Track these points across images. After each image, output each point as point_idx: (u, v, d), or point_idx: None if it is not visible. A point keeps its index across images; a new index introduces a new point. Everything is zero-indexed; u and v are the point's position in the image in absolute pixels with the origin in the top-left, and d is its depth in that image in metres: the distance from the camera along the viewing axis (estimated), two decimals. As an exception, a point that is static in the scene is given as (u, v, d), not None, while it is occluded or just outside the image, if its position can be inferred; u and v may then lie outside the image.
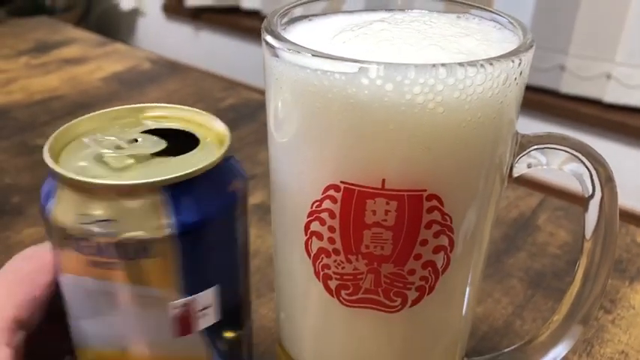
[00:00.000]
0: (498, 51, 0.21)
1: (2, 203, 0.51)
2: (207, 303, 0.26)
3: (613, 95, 1.25)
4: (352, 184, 0.21)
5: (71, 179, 0.23)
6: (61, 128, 0.26)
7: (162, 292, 0.25)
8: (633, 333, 0.40)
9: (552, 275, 0.45)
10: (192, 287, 0.25)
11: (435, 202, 0.21)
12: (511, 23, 0.24)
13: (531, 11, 1.30)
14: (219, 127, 0.27)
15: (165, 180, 0.23)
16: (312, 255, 0.24)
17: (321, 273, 0.24)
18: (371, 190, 0.21)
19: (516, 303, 0.42)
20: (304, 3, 0.26)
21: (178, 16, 2.07)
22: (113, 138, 0.26)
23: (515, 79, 0.21)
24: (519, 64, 0.21)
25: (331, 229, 0.23)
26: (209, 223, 0.24)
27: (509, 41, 0.23)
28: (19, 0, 1.98)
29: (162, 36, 2.10)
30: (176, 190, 0.23)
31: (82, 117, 0.27)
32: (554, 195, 0.55)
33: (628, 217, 1.17)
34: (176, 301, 0.25)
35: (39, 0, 2.09)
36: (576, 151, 0.24)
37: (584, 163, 0.24)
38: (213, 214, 0.24)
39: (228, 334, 0.28)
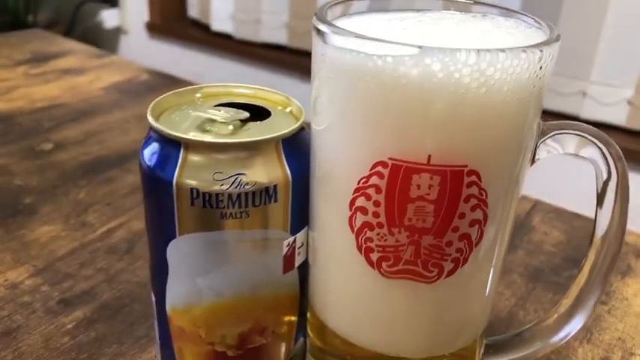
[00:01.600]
0: (529, 42, 0.23)
1: (15, 203, 0.52)
2: (302, 241, 0.31)
3: (589, 112, 1.31)
4: (400, 160, 0.23)
5: (202, 142, 0.27)
6: (155, 101, 0.30)
7: (279, 233, 0.29)
8: (628, 321, 0.42)
9: (550, 270, 0.47)
10: (296, 227, 0.30)
11: (474, 178, 0.24)
12: (537, 22, 0.26)
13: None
14: (286, 99, 0.32)
15: (282, 135, 0.28)
16: (355, 229, 0.26)
17: (364, 246, 0.26)
18: (417, 166, 0.23)
19: (518, 295, 0.45)
20: (342, 2, 0.28)
21: (161, 35, 2.09)
22: (205, 113, 0.30)
23: (546, 66, 0.23)
24: (550, 53, 0.23)
25: (376, 203, 0.25)
26: (305, 172, 0.29)
27: (536, 35, 0.26)
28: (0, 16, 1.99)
29: (145, 54, 2.11)
30: (288, 143, 0.28)
31: (167, 94, 0.31)
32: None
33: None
34: (288, 240, 0.30)
35: (21, 16, 2.09)
36: (590, 135, 0.26)
37: (597, 145, 0.26)
38: (307, 164, 0.29)
39: (306, 274, 0.32)
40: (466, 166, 0.23)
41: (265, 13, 1.77)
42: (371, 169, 0.24)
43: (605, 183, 0.28)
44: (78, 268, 0.45)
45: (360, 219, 0.25)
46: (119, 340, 0.38)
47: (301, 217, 0.30)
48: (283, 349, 0.33)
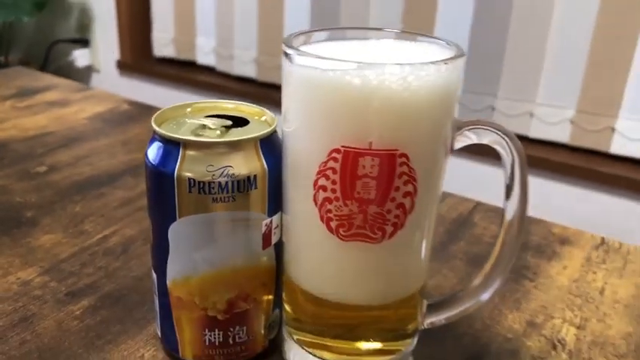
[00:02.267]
0: (443, 57, 0.32)
1: (18, 217, 0.59)
2: (277, 223, 0.38)
3: (536, 131, 1.43)
4: (349, 147, 0.31)
5: (198, 142, 0.35)
6: (155, 115, 0.38)
7: (259, 215, 0.37)
8: (550, 294, 0.51)
9: (487, 256, 0.56)
10: (272, 210, 0.38)
11: (404, 159, 0.32)
12: (448, 44, 0.35)
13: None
14: (261, 110, 0.40)
15: (259, 135, 0.36)
16: (318, 204, 0.34)
17: (325, 217, 0.34)
18: (362, 151, 0.31)
19: (460, 276, 0.53)
20: (304, 33, 0.37)
21: (132, 72, 2.16)
22: (198, 120, 0.39)
23: (455, 75, 0.32)
24: (455, 65, 0.32)
25: (333, 182, 0.33)
26: (278, 165, 0.37)
27: (448, 53, 0.34)
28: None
29: (116, 91, 2.18)
30: (264, 142, 0.36)
31: (165, 108, 0.39)
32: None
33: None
34: (265, 220, 0.37)
35: (-7, 56, 2.15)
36: (494, 128, 0.35)
37: (500, 135, 0.35)
38: (280, 159, 0.37)
39: (281, 252, 0.40)
40: (398, 150, 0.32)
41: (237, 49, 1.87)
42: (328, 156, 0.32)
43: (512, 168, 0.36)
44: (80, 267, 0.51)
45: (321, 195, 0.33)
46: (121, 322, 0.45)
47: (276, 202, 0.38)
48: (263, 314, 0.41)
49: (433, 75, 0.31)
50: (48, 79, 1.04)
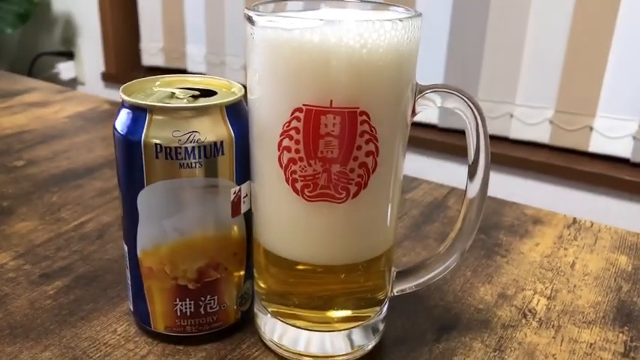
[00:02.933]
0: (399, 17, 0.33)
1: (-6, 206, 0.59)
2: (246, 192, 0.39)
3: (516, 132, 1.45)
4: (311, 105, 0.32)
5: (164, 107, 0.36)
6: (124, 85, 0.39)
7: (227, 182, 0.38)
8: (522, 268, 0.51)
9: (461, 236, 0.56)
10: (240, 178, 0.38)
11: (365, 117, 0.33)
12: (407, 9, 0.36)
13: (443, 65, 1.50)
14: (229, 83, 0.41)
15: (225, 102, 0.37)
16: (283, 165, 0.34)
17: (290, 178, 0.34)
18: (323, 109, 0.32)
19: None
20: (271, 1, 0.37)
21: (118, 84, 2.17)
22: (167, 88, 0.40)
23: (412, 34, 0.33)
24: (413, 24, 0.33)
25: (297, 142, 0.33)
26: (245, 133, 0.37)
27: (406, 15, 0.35)
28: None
29: (101, 102, 2.18)
30: (230, 109, 0.37)
31: (134, 80, 0.40)
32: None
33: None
34: (234, 188, 0.38)
35: (-23, 69, 2.14)
36: (455, 91, 0.36)
37: (461, 98, 0.36)
38: (246, 127, 0.37)
39: (250, 222, 0.40)
40: (358, 108, 0.32)
41: (229, 56, 1.90)
42: (291, 115, 0.33)
43: (476, 131, 0.37)
44: (55, 251, 0.52)
45: (286, 156, 0.34)
46: (95, 300, 0.45)
47: (244, 170, 0.38)
48: (234, 284, 0.41)
49: (390, 33, 0.32)
50: (29, 82, 1.05)
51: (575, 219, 0.60)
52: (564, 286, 0.49)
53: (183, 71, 2.06)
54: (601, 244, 0.56)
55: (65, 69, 2.24)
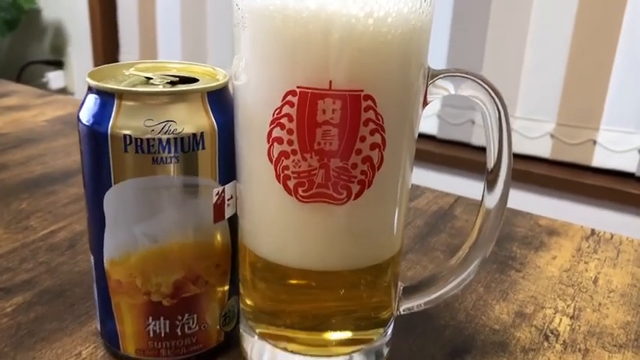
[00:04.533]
0: (410, -11, 0.28)
1: (-45, 213, 0.53)
2: (231, 194, 0.33)
3: (516, 146, 1.40)
4: (306, 88, 0.27)
5: (134, 91, 0.31)
6: (92, 69, 0.33)
7: (209, 182, 0.32)
8: (540, 284, 0.46)
9: (471, 248, 0.51)
10: (224, 178, 0.33)
11: (370, 102, 0.28)
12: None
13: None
14: (214, 69, 0.36)
15: (207, 87, 0.32)
16: (273, 160, 0.29)
17: (282, 175, 0.29)
18: (321, 92, 0.27)
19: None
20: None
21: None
22: (139, 73, 0.34)
23: (427, 5, 0.28)
24: (426, -2, 0.28)
25: (290, 131, 0.28)
26: (230, 123, 0.32)
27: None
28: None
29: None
30: (212, 96, 0.32)
31: (105, 65, 0.35)
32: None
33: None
34: (217, 189, 0.32)
35: (-37, 79, 2.09)
36: (476, 77, 0.31)
37: (480, 85, 0.31)
38: (231, 117, 0.32)
39: (236, 228, 0.35)
40: (362, 91, 0.27)
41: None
42: (282, 100, 0.28)
43: (498, 122, 0.32)
44: (19, 262, 0.46)
45: (277, 149, 0.29)
46: (59, 318, 0.40)
47: (229, 168, 0.33)
48: (217, 301, 0.35)
49: (400, 2, 0.27)
50: (9, 85, 0.99)
51: (593, 230, 0.55)
52: (588, 304, 0.44)
53: None
54: (624, 258, 0.51)
55: (54, 78, 2.19)
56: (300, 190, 0.29)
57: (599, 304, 0.44)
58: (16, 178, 0.61)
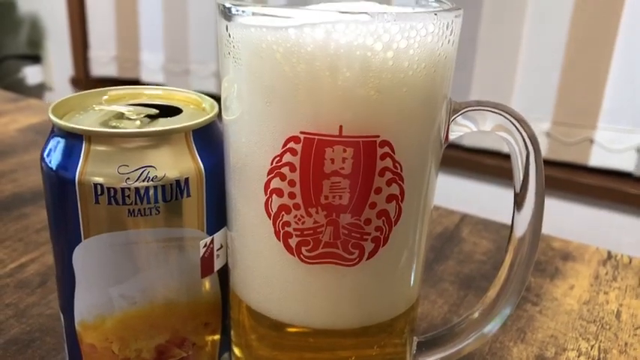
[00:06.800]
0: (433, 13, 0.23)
1: None
2: (220, 243, 0.29)
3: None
4: (312, 134, 0.23)
5: (105, 133, 0.26)
6: (55, 102, 0.28)
7: (195, 232, 0.28)
8: (559, 320, 0.42)
9: (481, 277, 0.47)
10: (213, 226, 0.28)
11: (387, 149, 0.23)
12: (438, 1, 0.27)
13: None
14: (199, 97, 0.31)
15: (192, 125, 0.27)
16: (272, 214, 0.25)
17: (282, 232, 0.25)
18: (329, 138, 0.23)
19: (451, 302, 0.44)
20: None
21: (87, 90, 2.05)
22: (113, 107, 0.29)
23: (451, 34, 0.24)
24: (453, 21, 0.23)
25: (291, 183, 0.24)
26: (219, 165, 0.27)
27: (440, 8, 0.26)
28: None
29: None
30: (199, 134, 0.27)
31: (72, 94, 0.30)
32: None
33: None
34: (204, 240, 0.28)
35: (-63, 74, 2.01)
36: (502, 110, 0.27)
37: (509, 120, 0.27)
38: (221, 156, 0.27)
39: (227, 280, 0.30)
40: (378, 137, 0.23)
41: (194, 63, 1.78)
42: (283, 147, 0.23)
43: (526, 163, 0.28)
44: (-17, 304, 0.41)
45: (276, 202, 0.24)
46: (27, 375, 0.35)
47: (218, 215, 0.29)
48: (207, 362, 0.31)
49: (425, 29, 0.22)
50: (-21, 90, 0.93)
51: (610, 253, 0.52)
52: (613, 344, 0.40)
53: (137, 82, 1.92)
54: (646, 287, 0.47)
55: (32, 73, 2.11)
56: (303, 249, 0.25)
57: (625, 343, 0.40)
58: (-17, 200, 0.56)
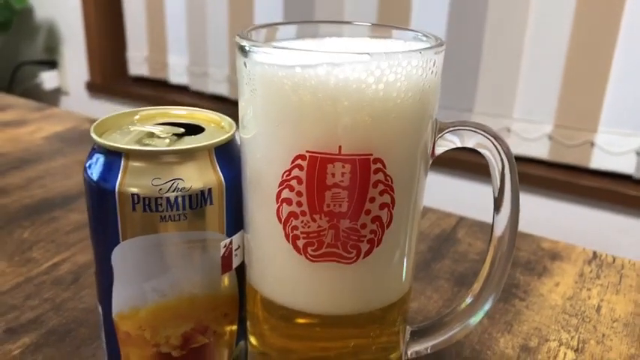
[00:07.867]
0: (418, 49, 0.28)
1: (-43, 244, 0.53)
2: (238, 244, 0.34)
3: (514, 147, 1.40)
4: (316, 152, 0.27)
5: (141, 151, 0.31)
6: (95, 123, 0.33)
7: (216, 235, 0.32)
8: (544, 313, 0.47)
9: (474, 275, 0.51)
10: (232, 229, 0.33)
11: (379, 165, 0.28)
12: (425, 35, 0.31)
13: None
14: (218, 117, 0.36)
15: (214, 143, 0.32)
16: (282, 220, 0.29)
17: (291, 234, 0.29)
18: (330, 156, 0.27)
19: (445, 298, 0.48)
20: (266, 26, 0.32)
21: (103, 94, 2.10)
22: (144, 127, 0.34)
23: (434, 66, 0.28)
24: (435, 56, 0.28)
25: (299, 193, 0.28)
26: (237, 177, 0.32)
27: (425, 44, 0.30)
28: None
29: (86, 113, 2.12)
30: (220, 151, 0.32)
31: (108, 115, 0.34)
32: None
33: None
34: (224, 241, 0.33)
35: (-44, 80, 2.07)
36: (481, 129, 0.31)
37: (487, 138, 0.31)
38: (239, 169, 0.32)
39: (243, 276, 0.35)
40: (372, 155, 0.27)
41: (211, 67, 1.84)
42: (292, 163, 0.28)
43: (502, 174, 0.32)
44: (23, 299, 0.46)
45: (285, 210, 0.29)
46: (66, 361, 0.40)
47: (236, 219, 0.33)
48: (225, 349, 0.36)
49: (410, 65, 0.27)
50: (5, 98, 0.99)
51: (595, 253, 0.56)
52: (592, 335, 0.44)
53: (165, 83, 2.00)
54: (627, 284, 0.51)
55: (48, 78, 2.17)
56: (309, 249, 0.29)
57: (603, 335, 0.44)
58: (16, 204, 0.61)
